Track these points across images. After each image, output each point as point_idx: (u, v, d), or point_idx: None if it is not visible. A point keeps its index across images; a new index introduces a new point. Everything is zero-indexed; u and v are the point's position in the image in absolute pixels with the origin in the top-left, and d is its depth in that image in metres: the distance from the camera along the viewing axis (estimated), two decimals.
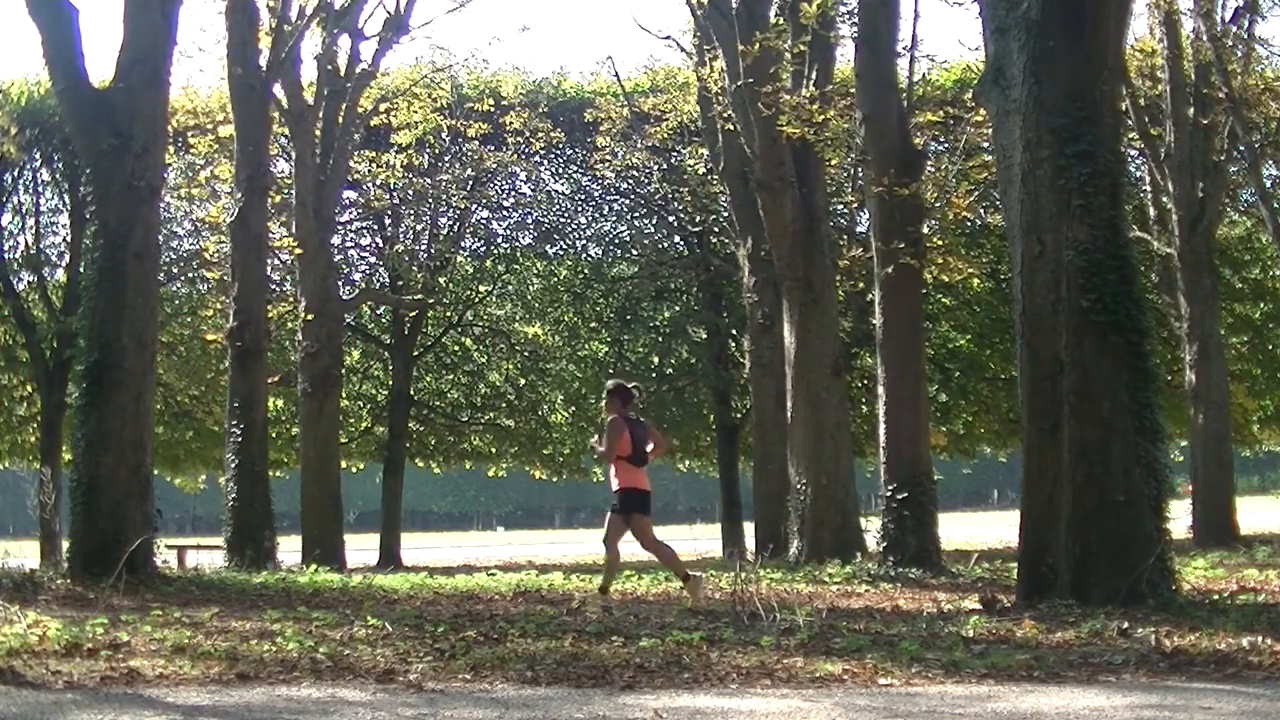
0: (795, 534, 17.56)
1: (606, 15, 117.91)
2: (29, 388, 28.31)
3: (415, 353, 28.62)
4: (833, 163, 20.22)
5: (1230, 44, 22.38)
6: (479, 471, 40.92)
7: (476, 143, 26.54)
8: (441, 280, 28.49)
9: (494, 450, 31.31)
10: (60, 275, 27.91)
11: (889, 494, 15.62)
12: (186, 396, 27.93)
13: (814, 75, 17.55)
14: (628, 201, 30.25)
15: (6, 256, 27.45)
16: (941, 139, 23.14)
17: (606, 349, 30.25)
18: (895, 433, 15.82)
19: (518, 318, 30.62)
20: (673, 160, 27.38)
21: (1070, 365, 10.06)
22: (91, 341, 13.13)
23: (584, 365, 30.23)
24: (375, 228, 29.18)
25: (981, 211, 22.99)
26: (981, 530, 32.26)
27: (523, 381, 30.60)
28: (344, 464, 26.72)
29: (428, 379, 30.58)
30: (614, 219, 30.78)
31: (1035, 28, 10.47)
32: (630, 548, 12.51)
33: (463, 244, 29.68)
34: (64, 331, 24.82)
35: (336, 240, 27.02)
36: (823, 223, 18.68)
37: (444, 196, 27.66)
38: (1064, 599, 9.73)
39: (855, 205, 25.03)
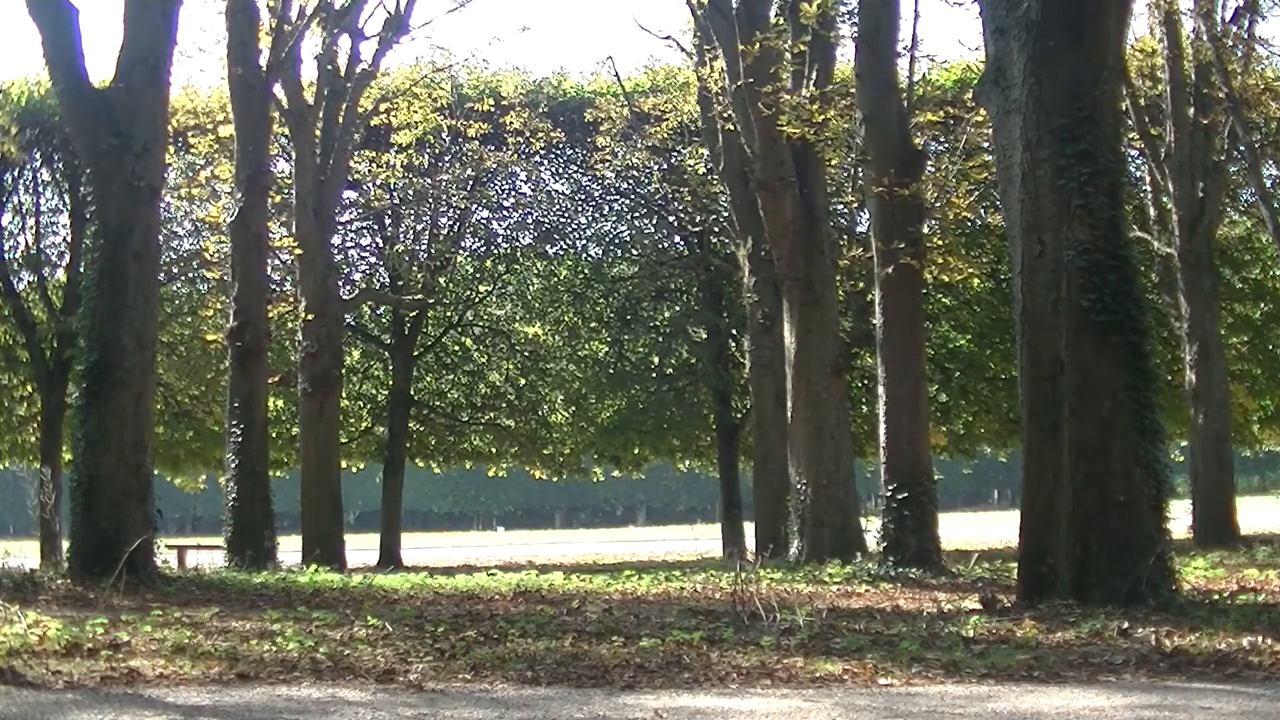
0: (795, 534, 17.56)
1: (606, 15, 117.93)
2: (29, 388, 28.29)
3: (415, 353, 28.61)
4: (833, 163, 20.22)
5: (1230, 44, 22.37)
6: (479, 471, 40.90)
7: (476, 143, 26.53)
8: (441, 280, 28.49)
9: (494, 450, 31.30)
10: (60, 275, 27.90)
11: (889, 494, 15.62)
12: (186, 396, 27.90)
13: (814, 75, 17.55)
14: (628, 201, 30.24)
15: (6, 256, 27.43)
16: (941, 139, 23.12)
17: (606, 349, 30.25)
18: (895, 433, 15.82)
19: (518, 318, 30.61)
20: (673, 160, 27.37)
21: (1070, 365, 10.07)
22: (91, 341, 13.13)
23: (584, 365, 30.23)
24: (375, 228, 29.17)
25: (981, 211, 22.97)
26: (981, 530, 32.25)
27: (523, 381, 30.59)
28: (344, 464, 26.70)
29: (428, 379, 30.58)
30: (614, 219, 30.78)
31: (1035, 28, 10.48)
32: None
33: (463, 244, 29.67)
34: (64, 331, 24.81)
35: (336, 240, 27.02)
36: (823, 223, 18.68)
37: (444, 196, 27.66)
38: (1064, 599, 9.74)
39: (855, 205, 25.01)
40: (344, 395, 26.06)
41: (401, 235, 28.69)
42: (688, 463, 32.99)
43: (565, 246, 30.54)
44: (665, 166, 27.47)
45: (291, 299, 23.35)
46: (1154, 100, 24.03)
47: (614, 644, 8.29)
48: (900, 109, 16.60)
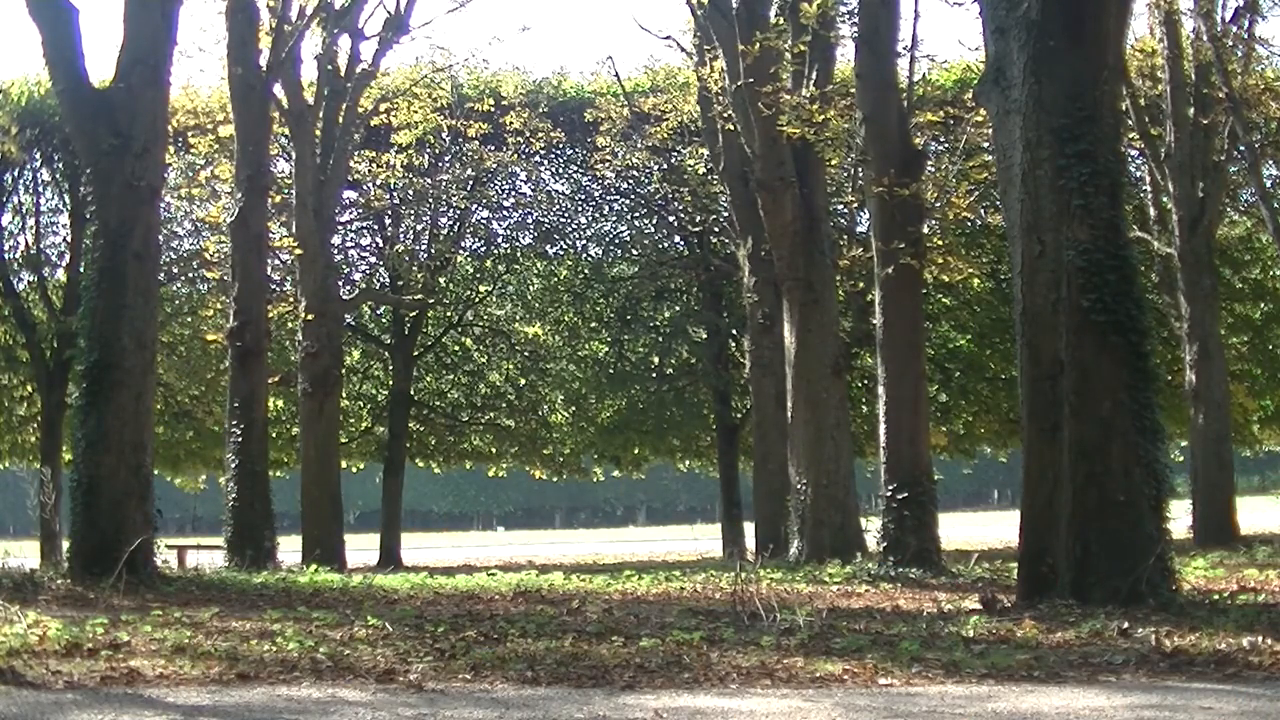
0: (795, 534, 17.56)
1: (606, 15, 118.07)
2: (29, 388, 28.30)
3: (415, 353, 28.61)
4: (833, 163, 20.22)
5: (1230, 44, 22.37)
6: (479, 471, 40.92)
7: (476, 143, 26.52)
8: (441, 280, 28.49)
9: (494, 450, 31.30)
10: (60, 275, 27.90)
11: (889, 494, 15.62)
12: (186, 396, 27.91)
13: (814, 75, 17.55)
14: (628, 201, 30.24)
15: (6, 256, 27.44)
16: (941, 139, 23.12)
17: (606, 349, 30.24)
18: (895, 433, 15.82)
19: (518, 318, 30.61)
20: (673, 160, 27.36)
21: (1070, 365, 10.06)
22: (91, 341, 13.13)
23: (584, 365, 30.23)
24: (375, 228, 29.17)
25: (981, 211, 22.96)
26: (981, 530, 32.26)
27: (523, 381, 30.59)
28: (344, 464, 26.70)
29: (428, 379, 30.58)
30: (614, 219, 30.78)
31: (1035, 28, 10.48)
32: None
33: (463, 244, 29.68)
34: (64, 331, 24.80)
35: (336, 240, 27.02)
36: (823, 223, 18.68)
37: (444, 196, 27.66)
38: (1064, 599, 9.74)
39: (855, 205, 25.01)
40: (344, 395, 26.06)
41: (401, 235, 28.69)
42: (688, 463, 32.99)
43: (565, 246, 30.54)
44: (665, 166, 27.46)
45: (291, 299, 23.35)
46: (1154, 100, 24.03)
47: (614, 644, 8.29)
48: (900, 109, 16.60)
